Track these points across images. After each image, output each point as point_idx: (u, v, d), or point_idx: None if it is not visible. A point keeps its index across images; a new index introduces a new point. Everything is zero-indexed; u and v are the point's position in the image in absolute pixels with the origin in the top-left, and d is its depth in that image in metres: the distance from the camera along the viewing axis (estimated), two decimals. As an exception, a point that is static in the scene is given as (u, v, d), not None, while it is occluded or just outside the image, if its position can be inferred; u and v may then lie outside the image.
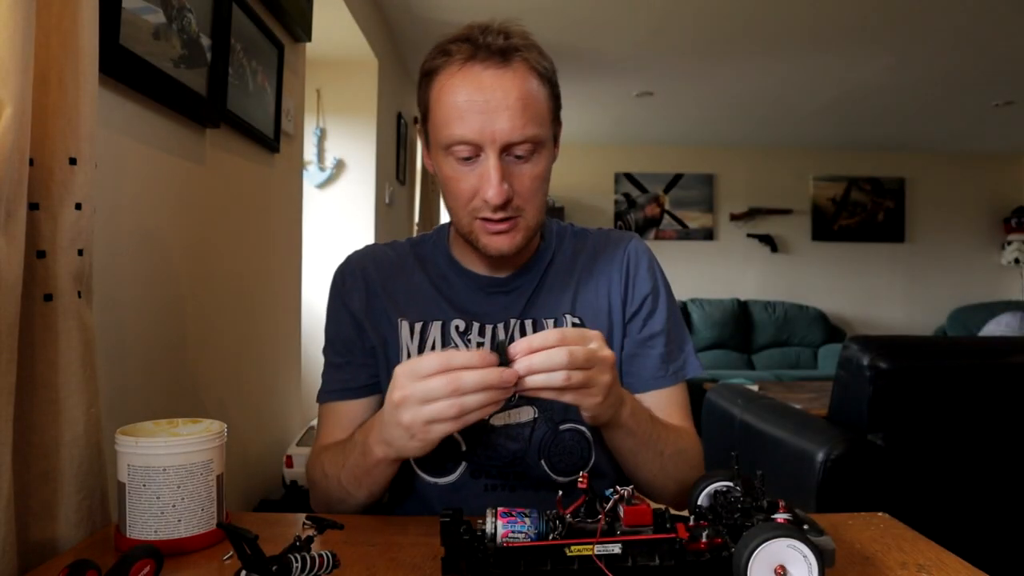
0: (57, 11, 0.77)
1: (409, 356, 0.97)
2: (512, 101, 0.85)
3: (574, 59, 3.87)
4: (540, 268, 1.01)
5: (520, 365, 0.71)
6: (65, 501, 0.78)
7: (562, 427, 0.96)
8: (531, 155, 0.88)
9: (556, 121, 0.94)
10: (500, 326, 0.97)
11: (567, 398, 0.74)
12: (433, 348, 0.97)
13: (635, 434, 0.86)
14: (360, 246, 1.08)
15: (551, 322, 0.98)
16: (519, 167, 0.88)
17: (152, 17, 1.18)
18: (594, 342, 0.75)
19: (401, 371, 0.73)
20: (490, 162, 0.86)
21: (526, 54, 0.87)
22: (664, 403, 0.98)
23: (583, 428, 0.96)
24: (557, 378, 0.71)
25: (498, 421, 0.94)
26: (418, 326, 0.98)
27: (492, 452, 0.94)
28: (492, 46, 0.86)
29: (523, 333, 0.97)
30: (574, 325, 0.97)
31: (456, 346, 0.96)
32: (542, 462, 0.95)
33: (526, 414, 0.95)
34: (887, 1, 3.10)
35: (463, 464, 0.95)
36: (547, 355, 0.71)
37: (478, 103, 0.85)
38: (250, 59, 1.62)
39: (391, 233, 3.47)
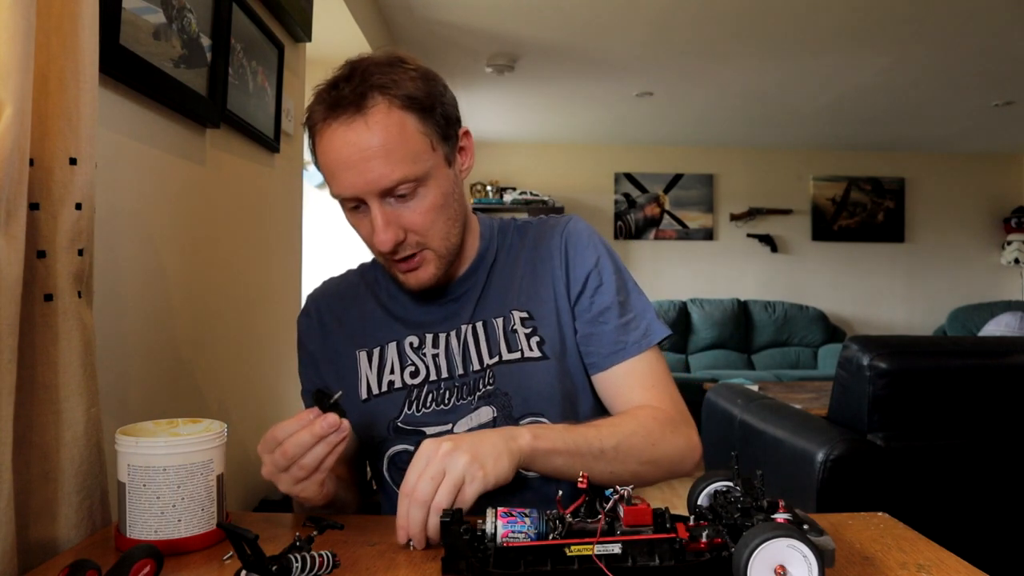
0: (57, 11, 0.77)
1: (368, 385, 1.00)
2: (375, 149, 0.83)
3: (574, 59, 3.87)
4: (485, 268, 1.01)
5: (402, 535, 0.74)
6: (65, 501, 0.78)
7: (522, 422, 0.95)
8: (415, 190, 0.87)
9: (446, 140, 0.91)
10: (452, 334, 0.99)
11: (441, 501, 0.74)
12: (392, 369, 0.99)
13: (560, 452, 0.83)
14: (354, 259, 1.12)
15: (500, 321, 0.98)
16: (406, 206, 0.88)
17: (152, 17, 1.18)
18: (422, 452, 0.76)
19: (260, 449, 0.79)
20: (373, 212, 0.87)
21: (388, 90, 0.85)
22: (629, 376, 0.96)
23: (543, 420, 0.96)
24: (433, 520, 0.72)
25: (460, 428, 0.95)
26: (376, 351, 1.00)
27: None
28: (345, 98, 0.84)
29: (475, 337, 0.98)
30: (522, 320, 0.98)
31: (412, 363, 0.99)
32: None
33: (486, 415, 0.96)
34: (887, 1, 3.10)
35: None
36: (412, 509, 0.73)
37: (343, 159, 0.85)
38: (250, 59, 1.62)
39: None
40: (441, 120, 0.90)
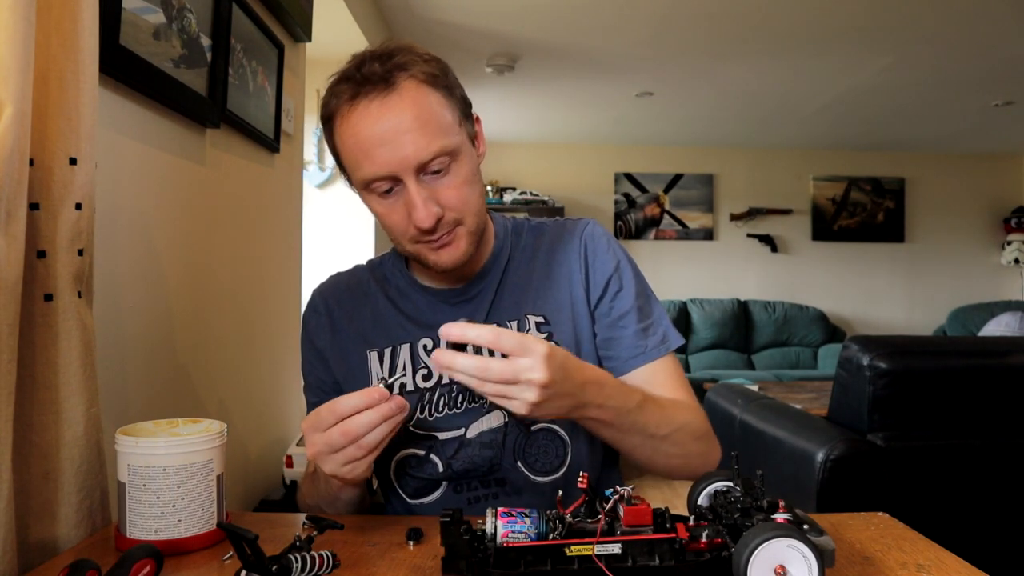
0: (57, 11, 0.77)
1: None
2: (409, 122, 0.83)
3: (574, 59, 3.87)
4: (499, 269, 1.00)
5: (444, 357, 0.72)
6: (65, 501, 0.78)
7: (534, 428, 0.95)
8: (449, 166, 0.86)
9: (467, 119, 0.91)
10: None
11: (485, 392, 0.74)
12: (404, 371, 0.97)
13: (612, 425, 0.84)
14: (364, 254, 1.09)
15: (514, 324, 0.97)
16: (440, 182, 0.86)
17: (152, 17, 1.18)
18: (529, 358, 0.71)
19: (306, 427, 0.76)
20: (410, 189, 0.85)
21: (411, 68, 0.85)
22: (650, 380, 0.96)
23: (556, 427, 0.96)
24: (471, 382, 0.72)
25: (472, 432, 0.95)
26: (387, 352, 0.99)
27: (469, 464, 0.94)
28: (372, 76, 0.83)
29: None
30: (537, 324, 0.97)
31: (425, 366, 0.97)
32: (519, 464, 0.95)
33: (497, 419, 0.95)
34: (887, 1, 3.10)
35: (443, 484, 0.96)
36: (464, 361, 0.71)
37: (377, 136, 0.83)
38: (250, 59, 1.62)
39: (391, 233, 3.46)
40: (460, 100, 0.90)
